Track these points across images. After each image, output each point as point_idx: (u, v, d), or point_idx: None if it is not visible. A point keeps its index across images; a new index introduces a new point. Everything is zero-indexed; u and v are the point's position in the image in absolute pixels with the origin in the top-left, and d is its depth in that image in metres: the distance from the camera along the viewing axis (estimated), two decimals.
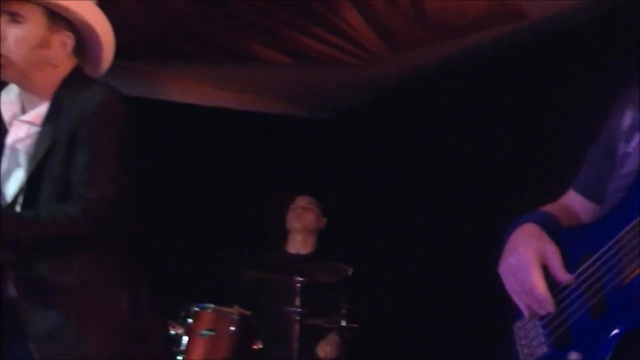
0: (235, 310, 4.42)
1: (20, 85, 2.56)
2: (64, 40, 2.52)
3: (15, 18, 2.46)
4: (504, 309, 2.05)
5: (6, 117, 2.57)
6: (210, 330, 4.19)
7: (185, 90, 5.69)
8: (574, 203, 2.10)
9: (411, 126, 5.56)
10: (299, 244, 5.09)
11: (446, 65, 5.15)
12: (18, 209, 2.48)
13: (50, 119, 2.48)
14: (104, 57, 2.62)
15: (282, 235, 5.17)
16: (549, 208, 2.08)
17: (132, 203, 2.53)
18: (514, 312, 1.99)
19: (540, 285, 1.85)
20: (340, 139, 6.07)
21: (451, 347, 4.90)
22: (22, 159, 2.52)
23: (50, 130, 2.46)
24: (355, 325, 4.47)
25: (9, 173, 2.55)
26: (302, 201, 5.18)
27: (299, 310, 4.30)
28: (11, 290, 2.46)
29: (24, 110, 2.57)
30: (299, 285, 4.32)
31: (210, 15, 4.51)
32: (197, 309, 4.24)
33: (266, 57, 5.02)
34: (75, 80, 2.54)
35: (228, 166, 5.72)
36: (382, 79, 5.52)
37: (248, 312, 4.43)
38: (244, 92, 5.83)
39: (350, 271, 4.40)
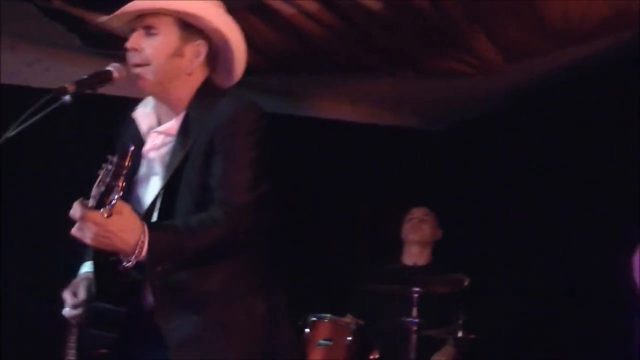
0: (350, 320, 4.45)
1: (156, 96, 2.64)
2: (197, 49, 2.59)
3: (149, 30, 2.55)
4: (628, 316, 2.02)
5: (143, 128, 2.66)
6: (327, 339, 4.22)
7: (304, 103, 5.77)
8: None
9: (526, 135, 5.49)
10: (415, 256, 5.07)
11: (563, 75, 5.07)
12: (155, 215, 2.53)
13: (184, 130, 2.55)
14: (235, 66, 2.66)
15: (398, 246, 5.17)
16: None
17: (271, 211, 2.55)
18: None
19: None
20: (456, 149, 6.03)
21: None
22: (158, 168, 2.60)
23: (185, 141, 2.52)
24: (472, 336, 4.44)
25: (146, 181, 2.64)
26: (418, 212, 5.16)
27: (416, 320, 4.29)
28: (149, 297, 2.51)
29: (159, 122, 2.65)
30: (416, 295, 4.32)
31: (336, 32, 4.57)
32: (314, 318, 4.28)
33: (385, 70, 5.05)
34: (208, 92, 2.60)
35: (344, 178, 5.76)
36: (498, 89, 5.48)
37: (362, 322, 4.45)
38: (360, 104, 5.87)
39: (467, 281, 4.38)
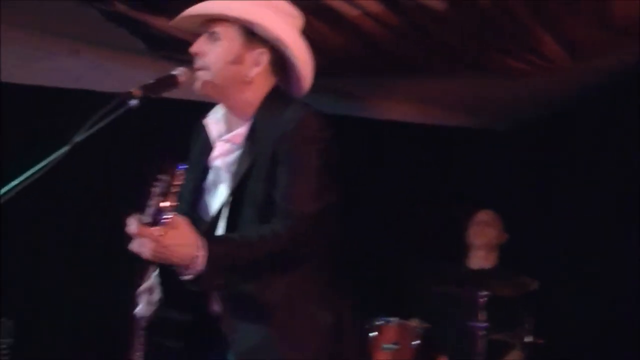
0: (417, 324, 4.42)
1: (220, 102, 2.64)
2: (257, 57, 2.57)
3: (213, 36, 2.56)
4: None
5: (213, 135, 2.65)
6: (394, 343, 4.19)
7: (364, 105, 5.75)
8: None
9: (592, 136, 5.39)
10: (481, 260, 5.01)
11: (630, 73, 4.96)
12: (222, 223, 2.53)
13: (250, 138, 2.53)
14: (301, 76, 2.63)
15: (463, 249, 5.12)
16: None
17: (335, 221, 2.53)
18: None
19: None
20: (521, 150, 5.95)
21: None
22: (224, 177, 2.60)
23: (250, 150, 2.51)
24: (541, 341, 4.37)
25: (213, 189, 2.63)
26: (484, 216, 5.09)
27: (484, 324, 4.24)
28: (216, 306, 2.52)
29: (229, 130, 2.64)
30: (484, 299, 4.27)
31: (399, 33, 4.53)
32: (380, 322, 4.26)
33: (448, 70, 5.01)
34: (274, 100, 2.58)
35: (406, 180, 5.73)
36: (561, 88, 5.39)
37: (428, 325, 4.42)
38: (423, 105, 5.83)
39: (536, 285, 4.31)
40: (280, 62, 2.60)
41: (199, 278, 2.30)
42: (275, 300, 2.48)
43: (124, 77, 5.22)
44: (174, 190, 2.19)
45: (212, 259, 2.29)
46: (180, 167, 2.21)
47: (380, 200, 5.64)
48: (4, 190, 2.33)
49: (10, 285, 4.91)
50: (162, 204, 2.19)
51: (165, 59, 4.88)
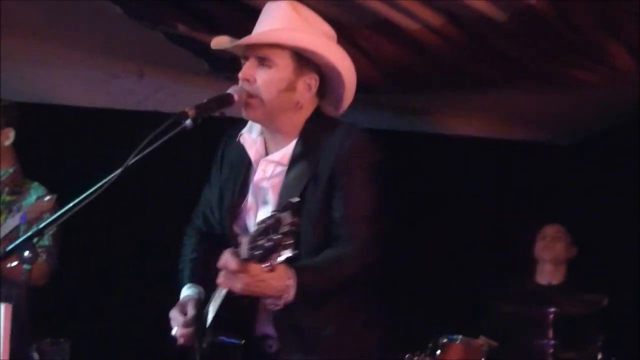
0: (483, 342, 4.34)
1: (265, 125, 2.62)
2: (309, 83, 2.55)
3: (264, 62, 2.53)
4: None
5: (251, 155, 2.64)
6: None
7: (430, 120, 5.69)
8: None
9: None
10: (549, 275, 4.93)
11: None
12: None
13: (298, 160, 2.53)
14: (345, 97, 2.63)
15: (531, 265, 5.02)
16: None
17: (386, 245, 2.53)
18: None
19: None
20: (589, 164, 5.82)
21: None
22: (270, 197, 2.58)
23: (302, 171, 2.51)
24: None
25: (253, 210, 2.62)
26: (551, 230, 5.01)
27: (552, 342, 4.15)
28: (259, 328, 2.53)
29: (267, 149, 2.64)
30: (552, 316, 4.18)
31: (461, 46, 4.49)
32: (445, 340, 4.19)
33: (510, 83, 4.93)
34: (319, 121, 2.59)
35: (472, 195, 5.65)
36: (629, 100, 5.26)
37: (495, 343, 4.34)
38: (485, 119, 5.75)
39: (605, 301, 4.21)
40: (323, 86, 2.60)
41: (289, 308, 2.34)
42: (326, 325, 2.50)
43: (189, 98, 5.23)
44: (294, 228, 2.13)
45: (303, 287, 2.31)
46: (295, 202, 2.16)
47: (443, 216, 5.57)
48: (62, 210, 2.36)
49: (68, 307, 5.00)
50: (281, 240, 2.13)
51: (228, 80, 4.89)
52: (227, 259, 2.25)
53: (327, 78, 2.58)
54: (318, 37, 2.57)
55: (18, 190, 4.23)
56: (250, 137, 2.65)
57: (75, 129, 5.42)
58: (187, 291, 2.66)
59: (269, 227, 2.14)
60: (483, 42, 4.44)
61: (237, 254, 2.25)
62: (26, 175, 4.29)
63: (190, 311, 2.56)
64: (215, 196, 2.72)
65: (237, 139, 2.66)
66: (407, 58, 4.66)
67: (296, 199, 2.18)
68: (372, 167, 2.52)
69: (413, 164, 5.33)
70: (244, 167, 2.63)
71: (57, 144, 5.33)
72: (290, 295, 2.30)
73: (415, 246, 5.25)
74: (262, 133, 2.65)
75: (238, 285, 2.27)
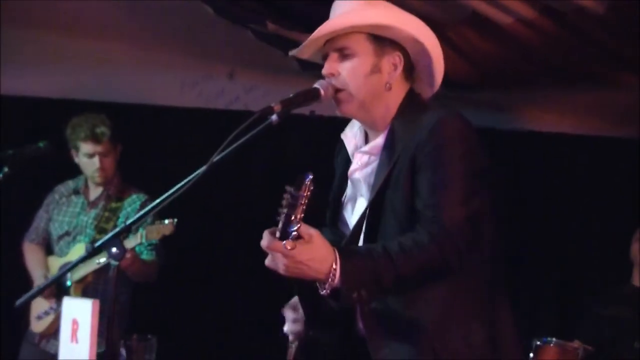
0: (578, 345, 4.21)
1: (360, 118, 2.57)
2: (393, 62, 2.49)
3: (343, 52, 2.48)
4: None
5: (349, 149, 2.60)
6: None
7: (521, 117, 5.57)
8: None
9: None
10: None
11: None
12: (361, 237, 2.46)
13: (387, 148, 2.45)
14: (435, 72, 2.54)
15: (628, 268, 4.84)
16: None
17: (490, 227, 2.39)
18: None
19: None
20: None
21: None
22: (363, 189, 2.54)
23: (388, 159, 2.43)
24: None
25: (352, 203, 2.58)
26: None
27: None
28: (361, 324, 2.45)
29: (365, 142, 2.59)
30: None
31: (557, 40, 4.37)
32: (538, 342, 4.08)
33: (609, 78, 4.77)
34: (411, 107, 2.50)
35: (566, 195, 5.50)
36: None
37: (590, 348, 4.20)
38: (581, 116, 5.59)
39: None
40: (410, 63, 2.52)
41: (337, 293, 2.24)
42: (421, 318, 2.37)
43: (279, 98, 5.28)
44: (302, 201, 2.12)
45: (349, 272, 2.21)
46: (306, 176, 2.13)
47: (535, 216, 5.43)
48: (149, 207, 2.37)
49: (154, 304, 5.06)
50: (289, 215, 2.13)
51: (318, 78, 4.90)
52: (264, 237, 2.20)
53: (412, 56, 2.51)
54: (390, 12, 2.49)
55: (121, 196, 4.40)
56: (351, 132, 2.62)
57: (170, 128, 5.52)
58: None
59: (286, 202, 2.14)
60: (580, 35, 4.30)
61: (273, 233, 2.19)
62: (125, 172, 4.46)
63: (301, 309, 2.54)
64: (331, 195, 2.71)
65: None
66: (501, 53, 4.55)
67: (309, 176, 2.11)
68: (460, 145, 2.35)
69: (505, 162, 5.21)
70: (348, 162, 2.60)
71: (152, 142, 5.43)
72: (335, 280, 2.20)
73: (506, 247, 5.12)
74: (361, 127, 2.61)
75: (279, 267, 2.21)
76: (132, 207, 4.40)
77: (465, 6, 4.06)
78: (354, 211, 2.56)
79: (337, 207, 2.62)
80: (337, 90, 2.49)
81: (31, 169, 3.97)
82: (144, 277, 4.27)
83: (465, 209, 2.30)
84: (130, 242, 3.88)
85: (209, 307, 5.42)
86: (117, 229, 2.35)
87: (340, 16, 2.49)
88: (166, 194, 2.34)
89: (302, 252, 2.17)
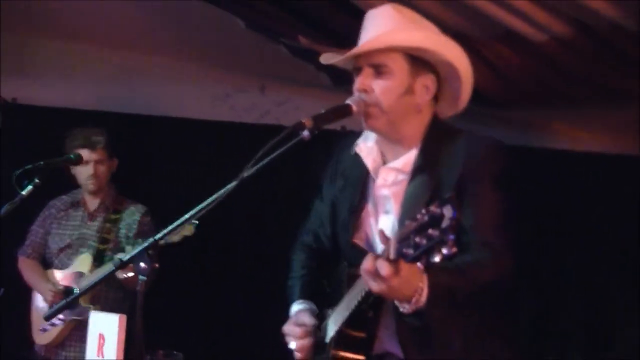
0: None
1: (386, 134, 2.56)
2: (427, 84, 2.49)
3: (379, 69, 2.48)
4: None
5: (369, 164, 2.58)
6: None
7: (558, 135, 5.51)
8: None
9: None
10: None
11: None
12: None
13: (423, 168, 2.46)
14: (462, 93, 2.55)
15: None
16: None
17: (516, 255, 2.43)
18: None
19: None
20: None
21: None
22: (391, 205, 2.51)
23: (426, 180, 2.43)
24: None
25: (374, 217, 2.56)
26: None
27: None
28: (376, 346, 2.45)
29: (383, 157, 2.56)
30: None
31: (592, 57, 4.32)
32: None
33: None
34: (440, 128, 2.52)
35: (605, 213, 5.42)
36: None
37: None
38: (616, 134, 5.51)
39: None
40: (439, 85, 2.53)
41: (420, 312, 2.24)
42: (454, 338, 2.40)
43: (310, 112, 5.25)
44: (448, 224, 1.90)
45: (435, 290, 2.22)
46: (454, 197, 1.93)
47: (572, 236, 5.36)
48: (177, 222, 2.36)
49: (180, 320, 5.04)
50: (441, 238, 1.91)
51: (350, 93, 4.88)
52: (378, 264, 2.11)
53: (441, 77, 2.51)
54: (431, 34, 2.49)
55: (118, 208, 4.48)
56: (366, 146, 2.59)
57: (200, 141, 5.51)
58: (298, 306, 2.62)
59: (424, 224, 1.93)
60: (615, 52, 4.25)
61: (385, 257, 2.11)
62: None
63: (309, 321, 2.52)
64: (326, 211, 2.68)
65: (351, 150, 2.61)
66: (535, 70, 4.51)
67: (451, 193, 1.95)
68: (502, 174, 2.42)
69: (537, 181, 5.16)
70: (361, 177, 2.57)
71: (182, 156, 5.43)
72: (422, 298, 2.19)
73: (542, 267, 5.07)
74: (377, 142, 2.58)
75: (383, 287, 2.15)
76: (132, 218, 4.49)
77: (500, 23, 4.03)
78: (377, 226, 2.53)
79: (355, 224, 2.57)
80: (368, 105, 2.48)
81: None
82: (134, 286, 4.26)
83: (508, 235, 2.40)
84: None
85: (223, 315, 5.37)
86: (146, 244, 2.33)
87: (381, 35, 2.48)
88: (197, 208, 2.33)
89: (397, 279, 2.13)
